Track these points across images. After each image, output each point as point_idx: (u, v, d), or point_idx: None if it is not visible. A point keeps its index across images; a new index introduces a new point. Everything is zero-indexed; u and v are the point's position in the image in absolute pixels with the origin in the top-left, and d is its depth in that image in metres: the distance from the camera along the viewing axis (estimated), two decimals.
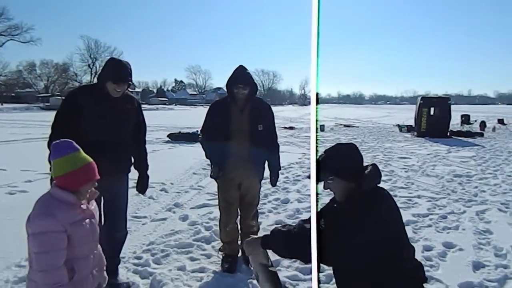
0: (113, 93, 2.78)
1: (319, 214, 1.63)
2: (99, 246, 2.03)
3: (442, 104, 16.87)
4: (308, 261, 1.75)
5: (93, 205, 1.99)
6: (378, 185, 1.77)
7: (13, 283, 3.04)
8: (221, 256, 3.57)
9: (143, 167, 3.16)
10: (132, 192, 3.25)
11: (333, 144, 1.87)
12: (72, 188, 1.80)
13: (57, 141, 1.85)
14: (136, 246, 3.83)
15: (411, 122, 19.11)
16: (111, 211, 2.96)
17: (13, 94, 59.61)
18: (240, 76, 3.36)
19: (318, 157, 1.80)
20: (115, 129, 2.83)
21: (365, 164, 1.83)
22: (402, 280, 1.61)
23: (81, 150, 1.87)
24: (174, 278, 3.19)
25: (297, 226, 1.68)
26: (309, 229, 1.59)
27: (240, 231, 3.61)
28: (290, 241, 1.62)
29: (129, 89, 2.95)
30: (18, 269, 3.27)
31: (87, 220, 1.87)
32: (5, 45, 52.62)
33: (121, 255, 3.23)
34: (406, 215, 4.96)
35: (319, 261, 1.86)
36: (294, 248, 1.61)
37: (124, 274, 3.23)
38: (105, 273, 2.11)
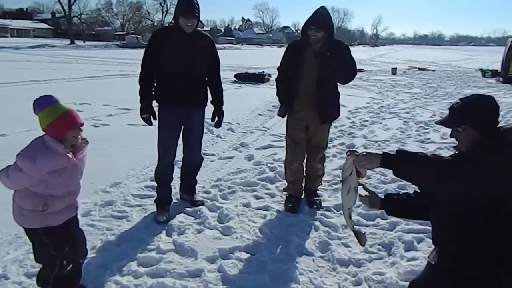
0: (185, 28, 3.06)
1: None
2: (79, 184, 2.12)
3: None
4: (430, 190, 1.78)
5: (82, 154, 2.04)
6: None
7: (100, 206, 3.43)
8: (284, 196, 3.69)
9: (218, 102, 3.43)
10: None
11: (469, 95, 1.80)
12: (57, 136, 1.89)
13: (37, 97, 1.92)
14: (205, 181, 4.08)
15: (497, 67, 17.18)
16: (188, 138, 3.41)
17: (93, 32, 63.78)
18: (315, 17, 3.25)
19: (452, 104, 1.78)
20: (190, 63, 3.13)
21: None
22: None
23: (59, 101, 1.93)
24: (240, 213, 3.38)
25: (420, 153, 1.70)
26: (438, 156, 1.63)
27: (305, 174, 3.67)
28: (417, 165, 1.62)
29: (200, 28, 3.14)
30: (104, 194, 3.68)
31: (68, 169, 1.94)
32: None
33: None
34: None
35: (432, 191, 1.80)
36: (417, 174, 1.64)
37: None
38: (77, 202, 2.18)
